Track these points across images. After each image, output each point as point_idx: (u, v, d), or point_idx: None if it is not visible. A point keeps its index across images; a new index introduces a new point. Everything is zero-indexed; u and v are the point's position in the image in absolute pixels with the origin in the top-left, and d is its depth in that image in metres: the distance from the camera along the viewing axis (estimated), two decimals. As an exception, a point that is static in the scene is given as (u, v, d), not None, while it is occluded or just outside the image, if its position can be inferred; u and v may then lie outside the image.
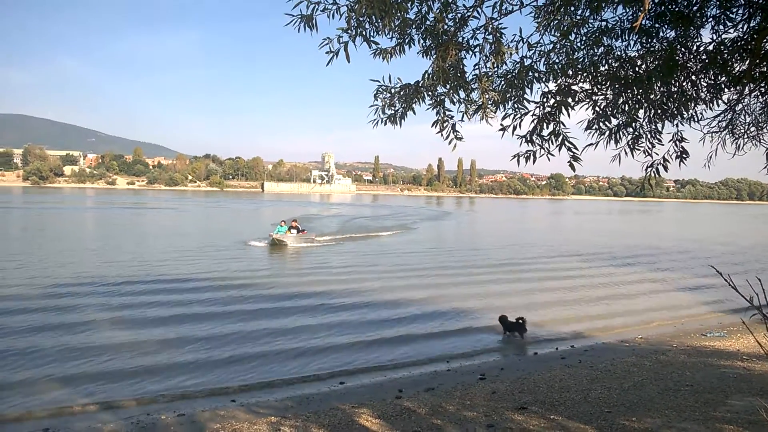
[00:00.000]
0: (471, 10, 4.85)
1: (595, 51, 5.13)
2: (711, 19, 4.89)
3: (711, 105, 5.33)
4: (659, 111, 5.25)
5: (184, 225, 51.47)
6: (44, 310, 15.78)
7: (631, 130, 5.33)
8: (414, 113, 5.32)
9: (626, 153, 5.32)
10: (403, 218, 68.44)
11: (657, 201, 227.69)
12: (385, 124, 5.39)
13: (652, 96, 5.22)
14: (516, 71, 5.10)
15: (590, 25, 5.12)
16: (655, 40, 5.08)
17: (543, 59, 5.14)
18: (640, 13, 4.54)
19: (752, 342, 13.23)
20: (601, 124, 5.28)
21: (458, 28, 4.89)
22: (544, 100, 5.18)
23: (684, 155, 5.26)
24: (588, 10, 4.99)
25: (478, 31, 4.91)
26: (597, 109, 5.28)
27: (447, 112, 5.23)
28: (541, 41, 5.13)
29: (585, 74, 5.21)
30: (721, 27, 4.83)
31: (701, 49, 5.02)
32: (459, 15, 4.88)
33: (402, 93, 5.21)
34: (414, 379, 11.05)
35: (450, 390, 9.72)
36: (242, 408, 9.10)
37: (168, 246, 32.37)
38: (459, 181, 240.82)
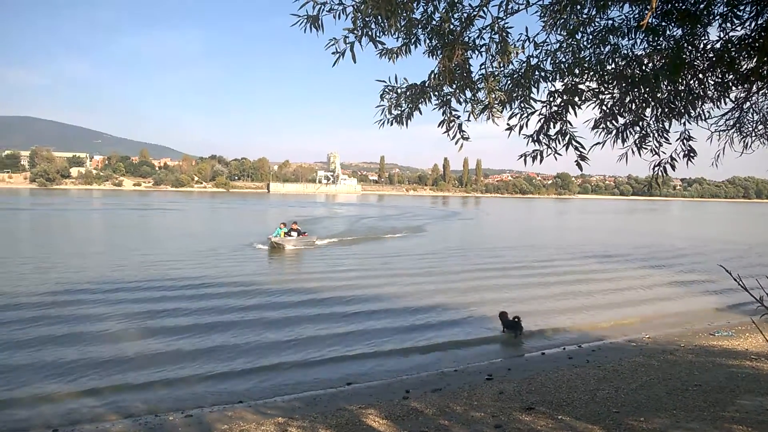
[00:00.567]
0: (477, 9, 4.84)
1: (602, 50, 5.10)
2: (718, 17, 4.85)
3: (718, 103, 5.29)
4: (666, 109, 5.22)
5: (191, 227, 51.61)
6: (53, 312, 15.87)
7: (638, 128, 5.30)
8: (420, 113, 5.31)
9: (633, 152, 5.29)
10: (411, 219, 68.32)
11: (664, 200, 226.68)
12: (392, 124, 5.38)
13: (659, 94, 5.19)
14: (522, 70, 5.08)
15: (597, 24, 5.10)
16: (662, 39, 5.05)
17: (549, 58, 5.12)
18: (647, 12, 4.52)
19: (761, 342, 13.17)
20: (608, 123, 5.25)
21: (464, 28, 4.88)
22: (551, 99, 5.16)
23: (691, 154, 5.22)
24: (594, 9, 4.97)
25: (484, 31, 4.90)
26: (604, 108, 5.25)
27: (453, 112, 5.22)
28: (548, 40, 5.11)
29: (592, 73, 5.18)
30: (728, 25, 4.79)
31: (708, 47, 4.98)
32: (465, 15, 4.87)
33: (408, 93, 5.20)
34: (421, 380, 11.04)
35: (457, 390, 9.72)
36: (250, 409, 9.12)
37: (176, 248, 32.48)
38: (465, 180, 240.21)
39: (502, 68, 5.09)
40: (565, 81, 5.15)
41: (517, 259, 31.73)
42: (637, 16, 4.96)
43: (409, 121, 5.35)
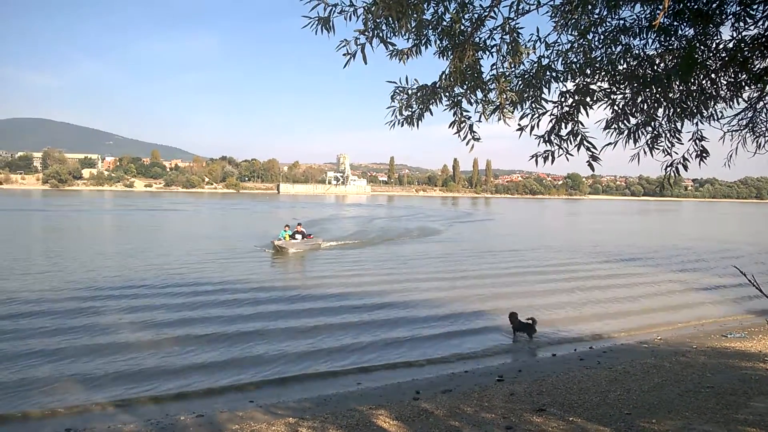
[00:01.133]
0: (488, 10, 4.84)
1: (613, 50, 5.08)
2: (731, 16, 4.82)
3: (731, 103, 5.26)
4: (678, 110, 5.19)
5: (202, 228, 51.82)
6: (68, 311, 16.02)
7: (650, 129, 5.28)
8: (431, 114, 5.32)
9: (645, 152, 5.27)
10: (423, 220, 68.24)
11: (675, 200, 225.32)
12: (402, 125, 5.39)
13: (671, 95, 5.16)
14: (534, 71, 5.08)
15: (608, 24, 5.08)
16: (673, 38, 5.02)
17: (561, 59, 5.11)
18: (659, 12, 4.50)
19: (774, 343, 13.08)
20: (619, 123, 5.24)
21: (475, 29, 4.88)
22: (562, 99, 5.15)
23: (704, 154, 5.20)
24: (606, 9, 4.96)
25: (495, 31, 4.90)
26: (615, 108, 5.24)
27: (464, 113, 5.22)
28: (559, 40, 5.11)
29: (603, 73, 5.17)
30: (741, 24, 4.76)
31: (721, 46, 4.95)
32: (476, 15, 4.88)
33: (419, 94, 5.21)
34: (431, 381, 11.03)
35: (467, 392, 9.70)
36: (260, 409, 9.14)
37: (189, 249, 32.56)
38: (474, 181, 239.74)
39: (514, 69, 5.09)
40: (577, 81, 5.15)
41: (530, 259, 31.64)
42: (648, 15, 4.94)
43: (420, 122, 5.36)
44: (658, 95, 5.16)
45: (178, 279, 21.81)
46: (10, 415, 9.23)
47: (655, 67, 5.06)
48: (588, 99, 5.11)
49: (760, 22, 4.75)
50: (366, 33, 4.74)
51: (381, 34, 4.79)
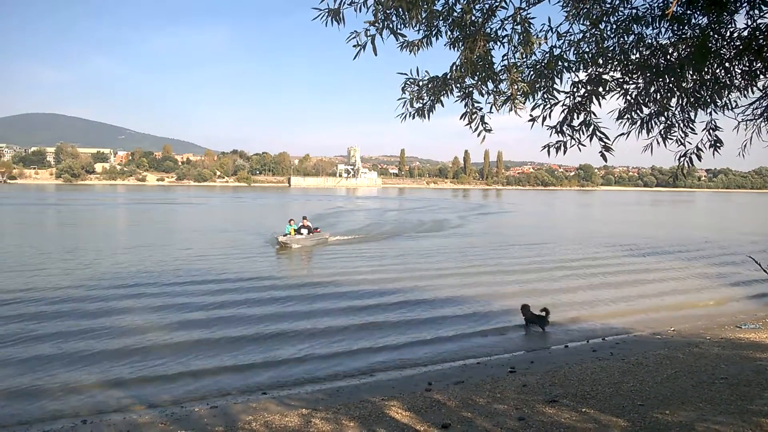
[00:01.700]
0: (498, 0, 4.81)
1: (626, 39, 5.04)
2: (745, 4, 4.77)
3: (745, 92, 5.20)
4: (692, 99, 5.15)
5: (216, 222, 52.03)
6: (83, 307, 16.16)
7: (663, 119, 5.24)
8: (442, 106, 5.30)
9: (658, 142, 5.23)
10: (435, 212, 68.17)
11: (688, 191, 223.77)
12: (413, 117, 5.38)
13: (684, 84, 5.12)
14: (545, 61, 5.05)
15: (620, 13, 5.05)
16: (687, 27, 4.97)
17: (573, 48, 5.08)
18: (672, 0, 4.46)
19: (789, 334, 12.99)
20: (632, 113, 5.20)
21: (486, 19, 4.86)
22: (575, 89, 5.13)
23: (718, 144, 5.16)
24: (618, -2, 4.93)
25: (506, 22, 4.87)
26: (628, 98, 5.20)
27: (475, 104, 5.21)
28: (571, 30, 5.08)
29: (616, 63, 5.13)
30: (756, 12, 4.70)
31: (735, 35, 4.89)
32: (486, 5, 4.85)
33: (430, 85, 5.19)
34: (443, 372, 11.05)
35: (480, 383, 9.71)
36: (273, 400, 9.21)
37: (200, 244, 32.73)
38: (486, 173, 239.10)
39: (525, 59, 5.07)
40: (589, 71, 5.12)
41: (546, 252, 31.53)
42: (661, 4, 4.90)
43: (431, 113, 5.35)
44: (671, 85, 5.12)
45: (192, 275, 21.90)
46: (25, 405, 9.36)
47: (669, 57, 5.01)
48: (600, 89, 5.08)
49: (776, 10, 4.69)
50: (376, 24, 4.73)
51: (391, 26, 4.79)
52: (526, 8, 4.76)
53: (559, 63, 5.02)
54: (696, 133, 5.20)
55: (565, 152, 5.20)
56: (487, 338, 13.96)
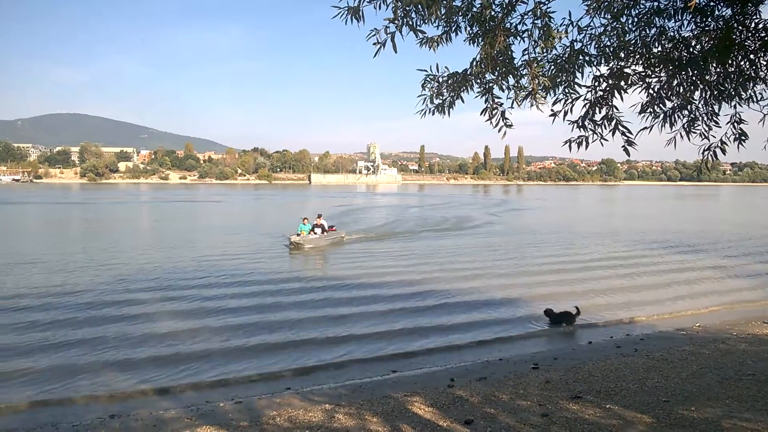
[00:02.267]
0: (518, -6, 4.79)
1: (648, 32, 5.00)
2: (770, -5, 4.71)
3: (770, 84, 5.13)
4: (716, 92, 5.08)
5: (239, 219, 52.47)
6: (111, 301, 16.44)
7: (686, 112, 5.19)
8: (462, 101, 5.30)
9: (682, 136, 5.18)
10: (458, 208, 67.98)
11: (713, 185, 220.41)
12: (433, 113, 5.39)
13: (708, 77, 5.06)
14: (566, 55, 5.02)
15: (642, 6, 5.00)
16: (710, 19, 4.91)
17: (594, 42, 5.04)
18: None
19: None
20: (655, 107, 5.15)
21: (506, 14, 4.84)
22: (596, 84, 5.09)
23: (743, 137, 5.08)
24: (640, -9, 4.88)
25: (526, 16, 4.85)
26: (651, 91, 5.15)
27: (496, 100, 5.20)
28: (592, 24, 5.04)
29: (638, 56, 5.09)
30: (782, 3, 4.65)
31: (760, 26, 4.83)
32: (506, 0, 4.83)
33: (450, 81, 5.19)
34: (466, 369, 11.03)
35: (502, 379, 9.68)
36: (297, 395, 9.28)
37: (224, 242, 33.03)
38: (506, 168, 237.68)
39: (546, 53, 5.04)
40: (611, 65, 5.08)
41: (574, 247, 31.32)
42: (684, -4, 4.84)
43: (451, 110, 5.35)
44: (694, 78, 5.06)
45: (217, 270, 22.15)
46: (56, 400, 9.55)
47: (691, 49, 4.96)
48: (622, 83, 5.04)
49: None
50: (396, 21, 4.74)
51: (411, 22, 4.79)
52: (546, 2, 4.73)
53: (580, 57, 4.99)
54: (720, 127, 5.14)
55: (587, 147, 5.17)
56: (510, 334, 13.91)
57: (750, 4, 4.71)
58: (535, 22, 4.82)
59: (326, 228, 31.36)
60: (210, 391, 9.99)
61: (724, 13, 4.87)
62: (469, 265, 24.44)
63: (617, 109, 5.02)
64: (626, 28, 5.00)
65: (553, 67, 5.08)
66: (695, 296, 18.53)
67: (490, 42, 4.79)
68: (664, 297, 18.31)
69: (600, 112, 5.07)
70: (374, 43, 4.82)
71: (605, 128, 5.05)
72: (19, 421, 8.81)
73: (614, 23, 4.99)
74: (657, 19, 4.93)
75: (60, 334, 13.27)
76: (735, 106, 5.10)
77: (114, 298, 16.87)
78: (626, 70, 5.08)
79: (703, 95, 5.13)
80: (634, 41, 5.03)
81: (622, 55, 5.05)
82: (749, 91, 5.09)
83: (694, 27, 4.95)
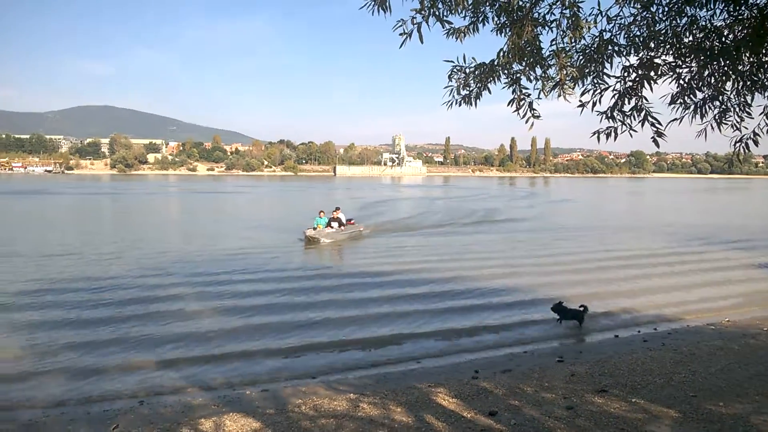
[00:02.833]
0: (547, -16, 4.75)
1: (678, 22, 4.91)
2: (807, -18, 4.59)
3: (806, 74, 5.02)
4: (748, 83, 4.98)
5: (265, 211, 52.87)
6: (140, 293, 16.72)
7: (717, 103, 5.10)
8: (489, 92, 5.28)
9: (713, 128, 5.09)
10: (485, 201, 67.64)
11: (745, 178, 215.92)
12: (460, 105, 5.38)
13: (740, 67, 4.96)
14: (595, 45, 4.96)
15: (673, -5, 4.92)
16: (743, 8, 4.81)
17: (623, 32, 4.97)
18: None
19: None
20: (685, 98, 5.07)
21: (534, 4, 4.81)
22: (625, 74, 5.03)
23: (776, 128, 4.99)
24: (670, -20, 4.80)
25: (554, 6, 4.81)
26: (681, 82, 5.07)
27: (523, 90, 5.17)
28: (621, 13, 4.97)
29: (668, 46, 5.00)
30: (818, -10, 4.53)
31: (796, 14, 4.72)
32: (534, -10, 4.80)
33: (477, 72, 5.18)
34: (490, 361, 11.02)
35: (527, 372, 9.66)
36: (322, 385, 9.37)
37: (252, 233, 33.37)
38: (533, 160, 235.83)
39: (574, 44, 4.99)
40: (640, 55, 5.01)
41: (597, 241, 31.03)
42: (716, -16, 4.75)
43: (478, 101, 5.33)
44: (726, 68, 4.96)
45: (246, 266, 22.38)
46: (86, 389, 9.76)
47: (724, 39, 4.86)
48: (652, 73, 4.97)
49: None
50: (422, 12, 4.74)
51: (437, 13, 4.79)
52: (575, -8, 4.69)
53: (609, 47, 4.93)
54: (753, 118, 5.04)
55: (615, 138, 5.12)
56: (535, 327, 13.84)
57: (785, -8, 4.61)
58: (564, 11, 4.78)
59: (344, 221, 30.02)
60: (236, 378, 10.09)
61: (758, 2, 4.77)
62: (501, 261, 24.18)
63: (647, 99, 4.96)
64: (656, 18, 4.92)
65: (581, 57, 5.03)
66: (726, 291, 18.21)
67: (517, 32, 4.76)
68: (695, 291, 18.03)
69: (629, 103, 5.01)
70: (401, 34, 4.83)
71: (634, 119, 4.99)
72: (51, 402, 9.05)
73: (644, 13, 4.92)
74: (688, 8, 4.84)
75: (88, 324, 13.51)
76: (768, 97, 5.01)
77: (143, 290, 17.12)
78: (656, 60, 5.00)
79: (736, 86, 5.03)
80: (664, 31, 4.96)
81: (652, 45, 4.98)
82: (784, 81, 4.98)
83: (726, 16, 4.85)
